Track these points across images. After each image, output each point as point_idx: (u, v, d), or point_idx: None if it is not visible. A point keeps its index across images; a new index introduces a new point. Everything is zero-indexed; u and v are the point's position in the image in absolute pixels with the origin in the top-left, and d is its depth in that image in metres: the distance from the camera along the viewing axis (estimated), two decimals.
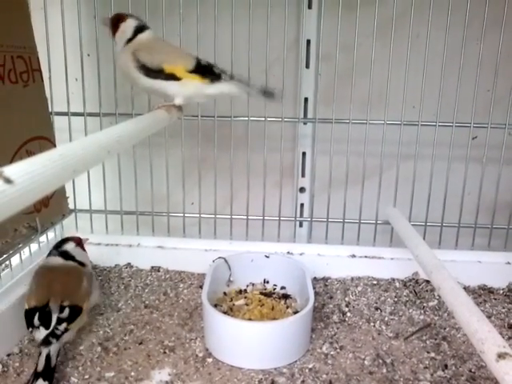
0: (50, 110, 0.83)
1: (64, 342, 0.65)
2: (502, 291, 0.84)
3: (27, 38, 0.75)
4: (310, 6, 0.90)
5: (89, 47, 0.90)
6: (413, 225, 0.77)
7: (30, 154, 0.73)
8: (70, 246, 0.74)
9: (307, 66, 0.93)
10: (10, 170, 0.30)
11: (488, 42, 0.81)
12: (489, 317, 0.76)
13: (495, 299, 0.82)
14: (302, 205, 1.01)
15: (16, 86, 0.71)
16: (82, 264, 0.74)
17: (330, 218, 0.93)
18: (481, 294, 0.83)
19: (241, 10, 0.83)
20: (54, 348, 0.62)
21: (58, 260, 0.73)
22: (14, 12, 0.71)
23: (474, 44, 0.83)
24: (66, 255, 0.73)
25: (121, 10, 0.84)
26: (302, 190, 1.01)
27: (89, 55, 0.91)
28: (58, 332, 0.62)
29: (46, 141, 0.78)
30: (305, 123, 0.95)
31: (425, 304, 0.79)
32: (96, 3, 0.85)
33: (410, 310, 0.78)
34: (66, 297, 0.66)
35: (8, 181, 0.29)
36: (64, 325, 0.63)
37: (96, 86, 0.88)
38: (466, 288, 0.84)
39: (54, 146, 0.80)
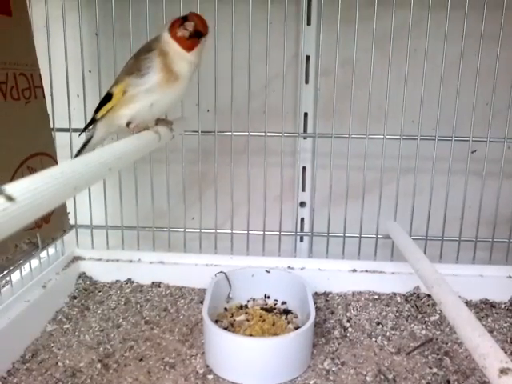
0: (51, 126, 0.83)
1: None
2: (504, 305, 0.84)
3: (29, 55, 0.76)
4: (308, 23, 0.91)
5: (90, 64, 0.91)
6: (413, 239, 0.77)
7: (31, 170, 0.73)
8: None
9: (307, 82, 0.94)
10: (12, 188, 0.30)
11: (486, 55, 0.82)
12: (491, 331, 0.75)
13: (497, 314, 0.81)
14: (302, 219, 1.01)
15: (18, 103, 0.72)
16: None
17: (331, 233, 0.93)
18: (483, 309, 0.83)
19: (241, 26, 0.84)
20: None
21: None
22: (16, 30, 0.72)
23: (472, 57, 0.83)
24: None
25: (123, 27, 0.86)
26: (302, 204, 1.01)
27: (90, 72, 0.92)
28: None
29: (48, 157, 0.79)
30: (305, 138, 0.96)
31: (426, 319, 0.79)
32: (97, 20, 0.86)
33: (412, 325, 0.77)
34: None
35: (10, 198, 0.29)
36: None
37: (97, 103, 0.88)
38: (467, 302, 0.84)
39: (56, 162, 0.81)
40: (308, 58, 0.93)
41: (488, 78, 0.84)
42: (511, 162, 0.91)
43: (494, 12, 0.80)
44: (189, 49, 0.62)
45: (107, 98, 0.64)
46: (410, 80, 0.85)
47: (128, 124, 0.63)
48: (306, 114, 0.95)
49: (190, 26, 0.61)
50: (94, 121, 0.66)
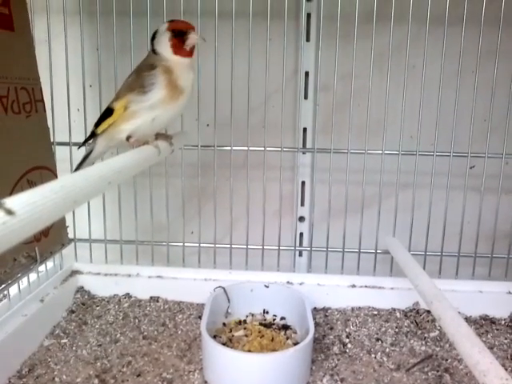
0: (51, 139, 0.84)
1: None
2: (503, 321, 0.83)
3: (31, 69, 0.76)
4: (308, 39, 0.92)
5: (91, 78, 0.91)
6: (412, 254, 0.77)
7: (31, 183, 0.73)
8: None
9: (306, 97, 0.95)
10: (12, 202, 0.30)
11: (483, 72, 0.83)
12: (491, 348, 0.75)
13: (497, 330, 0.81)
14: (301, 234, 1.01)
15: (19, 117, 0.72)
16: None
17: (330, 248, 0.93)
18: (482, 325, 0.82)
19: (240, 42, 0.85)
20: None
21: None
22: (18, 45, 0.73)
23: (470, 74, 0.84)
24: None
25: (124, 42, 0.87)
26: (301, 219, 1.01)
27: (91, 86, 0.92)
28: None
29: (47, 170, 0.79)
30: (304, 153, 0.96)
31: (426, 335, 0.79)
32: (99, 35, 0.87)
33: (412, 341, 0.77)
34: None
35: (9, 212, 0.29)
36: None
37: (97, 116, 0.89)
38: (467, 318, 0.84)
39: (55, 175, 0.81)
40: (307, 73, 0.94)
41: (486, 94, 0.84)
42: (509, 177, 0.91)
43: (491, 28, 0.81)
44: (189, 55, 0.65)
45: (108, 112, 0.64)
46: (408, 96, 0.86)
47: (128, 138, 0.63)
48: (305, 129, 0.96)
49: (192, 39, 0.64)
50: (94, 135, 0.66)
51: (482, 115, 0.87)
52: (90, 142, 0.68)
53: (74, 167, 0.70)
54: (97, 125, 0.65)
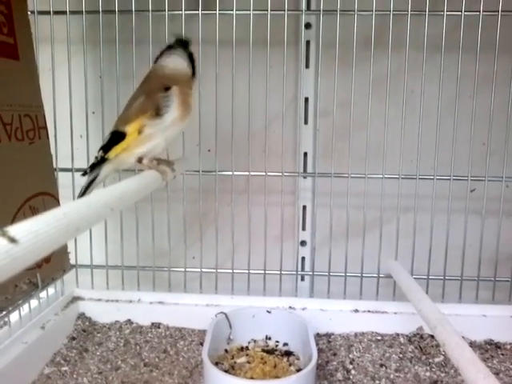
0: (54, 166, 0.84)
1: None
2: (509, 346, 0.82)
3: (34, 97, 0.77)
4: (307, 66, 0.93)
5: (94, 105, 0.92)
6: (415, 278, 0.77)
7: (33, 209, 0.74)
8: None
9: (306, 122, 0.96)
10: (15, 230, 0.30)
11: (481, 96, 0.84)
12: (496, 373, 0.74)
13: (503, 355, 0.80)
14: (303, 258, 1.01)
15: (22, 144, 0.73)
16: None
17: (332, 272, 0.93)
18: (487, 350, 0.81)
19: (241, 69, 0.87)
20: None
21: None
22: (23, 73, 0.74)
23: (468, 99, 0.85)
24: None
25: (126, 70, 0.88)
26: (302, 243, 1.00)
27: (94, 113, 0.94)
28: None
29: (50, 196, 0.79)
30: (305, 177, 0.97)
31: (430, 360, 0.78)
32: (102, 63, 0.89)
33: (416, 367, 0.76)
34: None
35: (13, 240, 0.29)
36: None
37: (100, 143, 0.90)
38: (471, 343, 0.83)
39: (58, 201, 0.81)
40: (307, 99, 0.95)
41: (484, 117, 0.85)
42: (510, 200, 0.91)
43: (488, 53, 0.83)
44: None
45: (118, 136, 0.62)
46: (407, 120, 0.87)
47: (139, 160, 0.63)
48: (305, 154, 0.97)
49: None
50: (103, 160, 0.64)
51: (481, 139, 0.88)
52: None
53: (78, 192, 0.69)
54: (105, 149, 0.63)
